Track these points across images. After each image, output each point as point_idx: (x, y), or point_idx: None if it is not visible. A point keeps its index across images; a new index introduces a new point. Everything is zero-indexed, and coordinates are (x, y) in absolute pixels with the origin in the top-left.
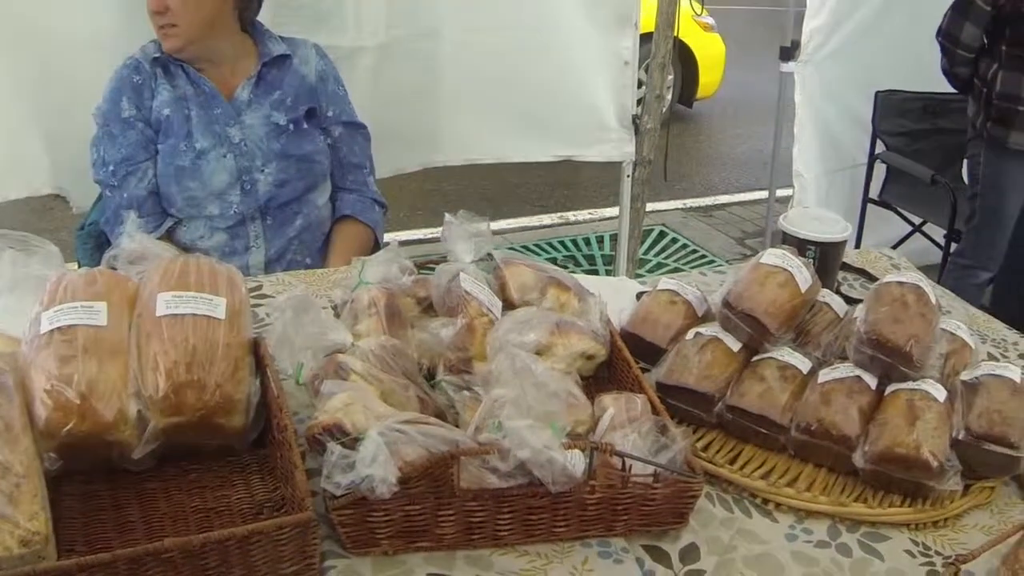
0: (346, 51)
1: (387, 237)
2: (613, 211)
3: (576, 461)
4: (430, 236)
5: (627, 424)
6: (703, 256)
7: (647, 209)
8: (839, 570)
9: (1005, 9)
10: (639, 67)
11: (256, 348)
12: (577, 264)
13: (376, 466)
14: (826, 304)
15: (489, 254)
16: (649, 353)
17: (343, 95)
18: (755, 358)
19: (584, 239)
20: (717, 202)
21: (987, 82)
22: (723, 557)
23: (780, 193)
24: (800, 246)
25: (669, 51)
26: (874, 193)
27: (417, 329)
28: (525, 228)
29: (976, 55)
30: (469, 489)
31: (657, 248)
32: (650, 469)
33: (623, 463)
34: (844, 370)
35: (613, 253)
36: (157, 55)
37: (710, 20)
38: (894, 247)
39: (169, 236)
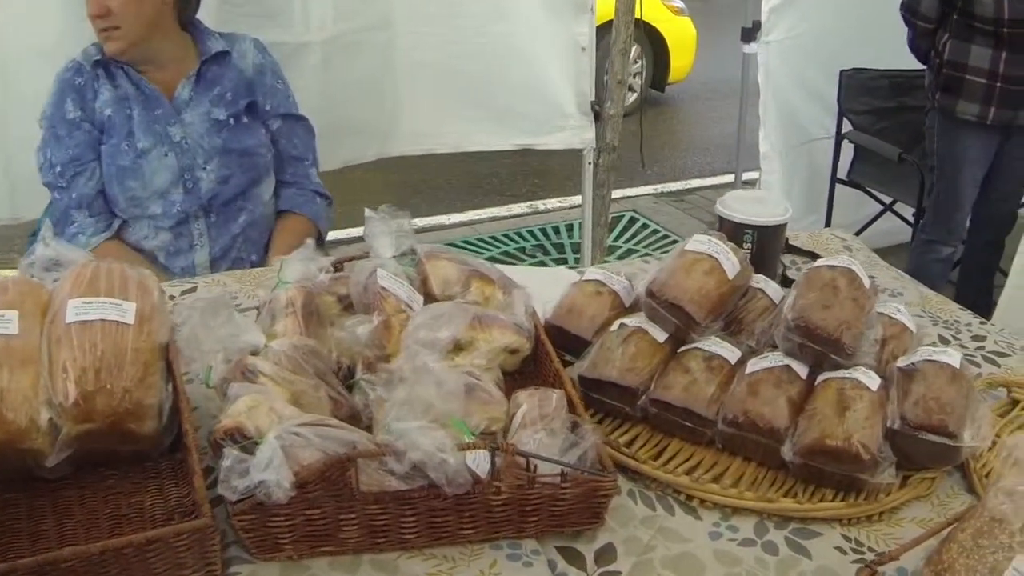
0: (293, 46)
1: (356, 231)
2: (580, 199)
3: (481, 462)
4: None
5: (538, 421)
6: (675, 241)
7: (617, 195)
8: (763, 569)
9: None
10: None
11: (167, 353)
12: (546, 253)
13: (270, 471)
14: (760, 290)
15: (413, 248)
16: (575, 345)
17: (282, 88)
18: (681, 349)
19: (553, 227)
20: (688, 186)
21: (939, 52)
22: (641, 558)
23: (750, 176)
24: (737, 230)
25: (630, 36)
26: (843, 173)
27: (336, 328)
28: (494, 218)
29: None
30: (370, 492)
31: (628, 234)
32: (558, 468)
33: (527, 463)
34: (773, 359)
35: (581, 241)
36: (98, 57)
37: (680, 4)
38: (865, 227)
39: (119, 235)
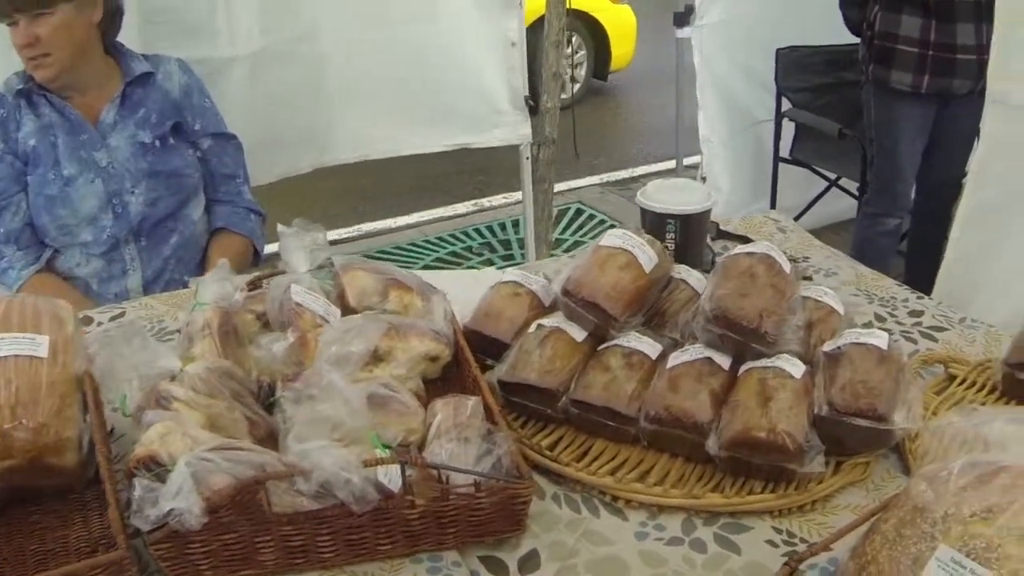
0: (219, 62)
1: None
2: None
3: (393, 476)
4: (347, 236)
5: (452, 430)
6: None
7: (562, 188)
8: (690, 568)
9: None
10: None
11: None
12: (493, 250)
13: (180, 498)
14: (683, 281)
15: (330, 261)
16: (495, 349)
17: (210, 107)
18: (600, 347)
19: (500, 224)
20: (633, 174)
21: (870, 24)
22: (565, 563)
23: (691, 161)
24: (659, 220)
25: (562, 28)
26: (785, 152)
27: (253, 346)
28: (440, 219)
29: None
30: (283, 513)
31: (574, 226)
32: (472, 478)
33: (440, 474)
34: (694, 352)
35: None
36: (20, 87)
37: None
38: (811, 205)
39: (49, 266)
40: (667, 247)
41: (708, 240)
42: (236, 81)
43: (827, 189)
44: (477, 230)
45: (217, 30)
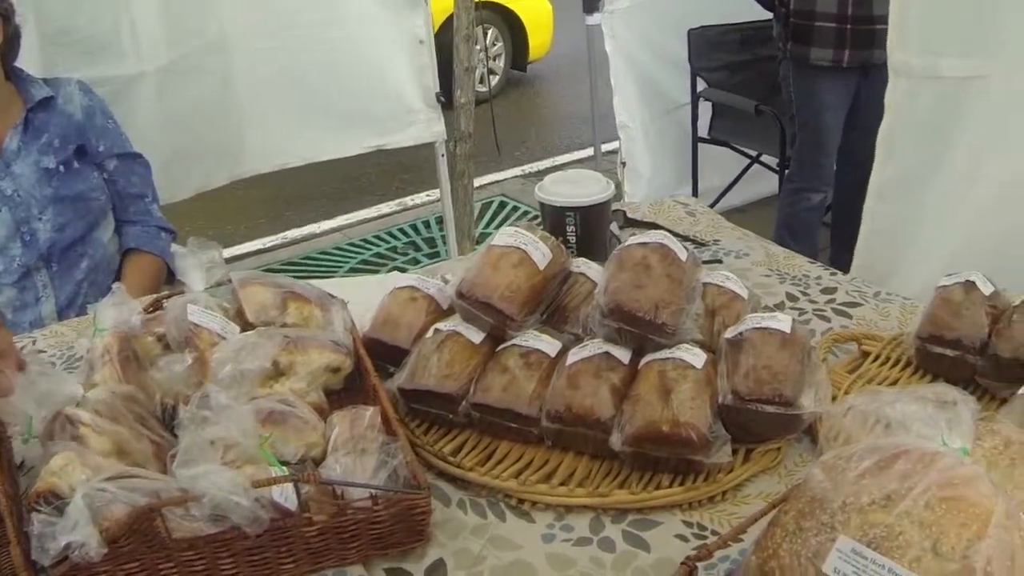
0: (126, 79)
1: (233, 250)
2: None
3: (289, 494)
4: (272, 244)
5: (349, 443)
6: None
7: (485, 181)
8: (599, 569)
9: None
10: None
11: None
12: (418, 248)
13: (78, 531)
14: (582, 274)
15: (228, 278)
16: (395, 356)
17: (113, 127)
18: (499, 348)
19: (424, 222)
20: (555, 163)
21: (784, 2)
22: (471, 570)
23: (609, 147)
24: (558, 213)
25: (471, 22)
26: (704, 133)
27: (155, 368)
28: (364, 220)
29: None
30: (183, 539)
31: (499, 219)
32: (368, 492)
33: (334, 489)
34: (592, 348)
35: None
36: None
37: None
38: (733, 183)
39: None
40: (568, 240)
41: (616, 230)
42: (144, 98)
43: (748, 167)
44: (401, 230)
45: (122, 47)
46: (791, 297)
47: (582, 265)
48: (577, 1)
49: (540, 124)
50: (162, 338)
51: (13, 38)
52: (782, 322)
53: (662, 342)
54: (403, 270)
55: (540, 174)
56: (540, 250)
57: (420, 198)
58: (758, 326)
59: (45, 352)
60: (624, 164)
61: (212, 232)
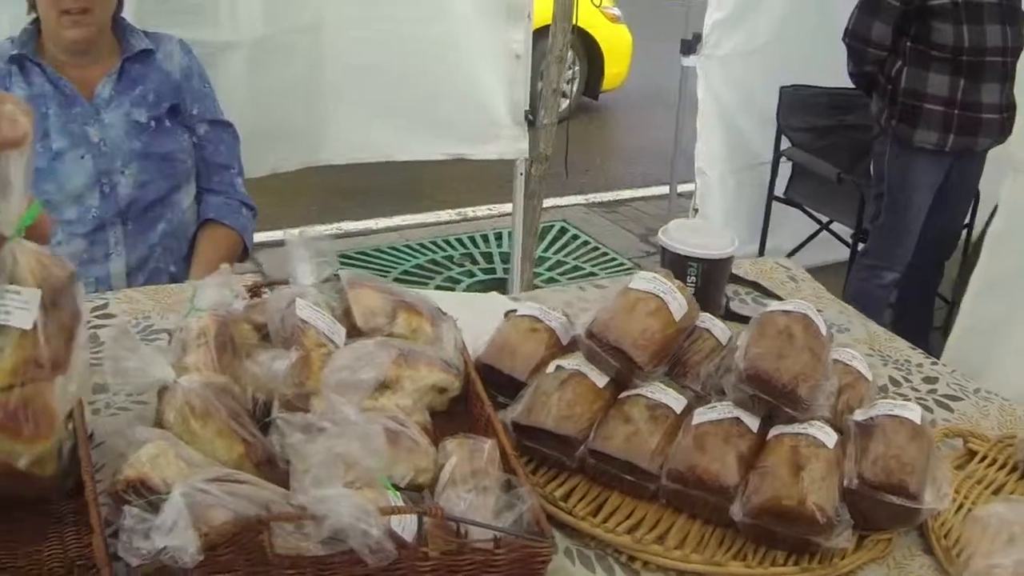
0: (219, 46)
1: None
2: (511, 207)
3: (407, 525)
4: (326, 234)
5: (470, 477)
6: (604, 253)
7: (547, 204)
8: None
9: (913, 5)
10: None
11: None
12: (474, 262)
13: (175, 534)
14: (706, 330)
15: (336, 275)
16: (508, 386)
17: (209, 92)
18: (622, 395)
19: (482, 236)
20: (620, 197)
21: (892, 79)
22: None
23: (684, 188)
24: (681, 262)
25: (566, 44)
26: (780, 191)
27: (251, 361)
28: (423, 224)
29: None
30: (286, 556)
31: (557, 245)
32: (491, 533)
33: (458, 527)
34: (722, 410)
35: (510, 250)
36: (14, 52)
37: (616, 11)
38: (801, 246)
39: None
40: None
41: None
42: (233, 68)
43: (817, 232)
44: (459, 240)
45: (218, 14)
46: (894, 382)
47: (707, 321)
48: (656, 35)
49: (606, 154)
50: (260, 328)
51: None
52: (913, 412)
53: (795, 415)
54: (458, 281)
55: (605, 204)
56: (678, 300)
57: (481, 210)
58: (890, 413)
59: (116, 317)
60: (696, 210)
61: (264, 212)
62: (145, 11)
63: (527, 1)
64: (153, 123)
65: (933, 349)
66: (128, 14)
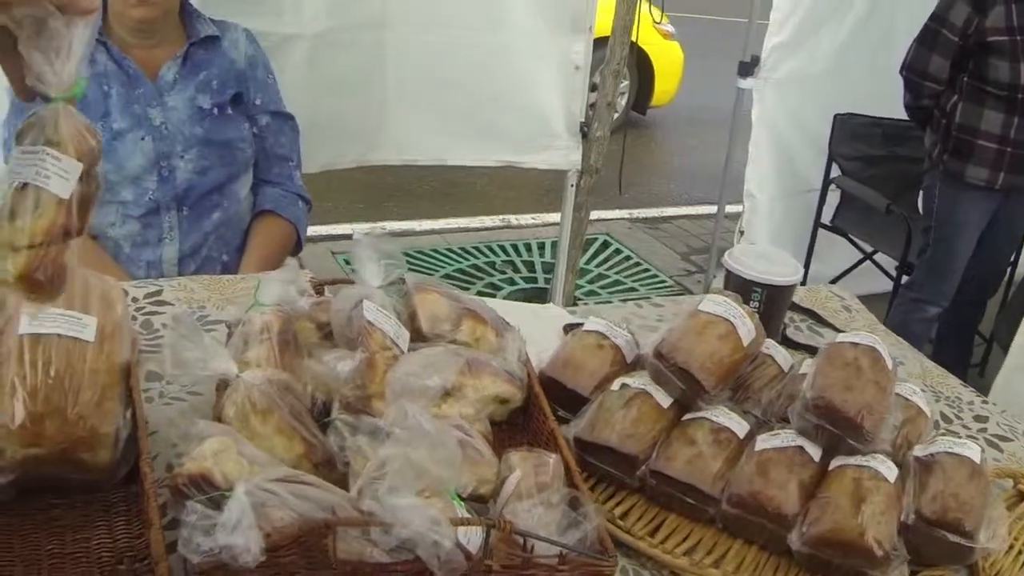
0: (281, 37)
1: (328, 228)
2: (556, 216)
3: (473, 537)
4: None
5: (535, 492)
6: (646, 270)
7: (592, 217)
8: None
9: (971, 40)
10: (592, 72)
11: (128, 375)
12: (516, 270)
13: (239, 533)
14: (770, 356)
15: (401, 278)
16: (571, 401)
17: (272, 83)
18: (686, 417)
19: (525, 244)
20: (664, 214)
21: (946, 113)
22: None
23: (730, 209)
24: (745, 287)
25: (624, 58)
26: (827, 218)
27: (313, 360)
28: (466, 229)
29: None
30: (348, 561)
31: (600, 258)
32: (556, 549)
33: (524, 541)
34: (785, 438)
35: (554, 261)
36: None
37: (670, 28)
38: (844, 274)
39: None
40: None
41: None
42: (294, 61)
43: (861, 261)
44: (502, 247)
45: (282, 4)
46: (945, 418)
47: (771, 347)
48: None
49: (652, 171)
50: (323, 326)
51: None
52: (972, 451)
53: (858, 447)
54: (499, 288)
55: (649, 220)
56: (747, 326)
57: (525, 219)
58: (950, 451)
59: (171, 305)
60: (742, 232)
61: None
62: (211, 0)
63: (590, 13)
64: (216, 110)
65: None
66: (195, 0)
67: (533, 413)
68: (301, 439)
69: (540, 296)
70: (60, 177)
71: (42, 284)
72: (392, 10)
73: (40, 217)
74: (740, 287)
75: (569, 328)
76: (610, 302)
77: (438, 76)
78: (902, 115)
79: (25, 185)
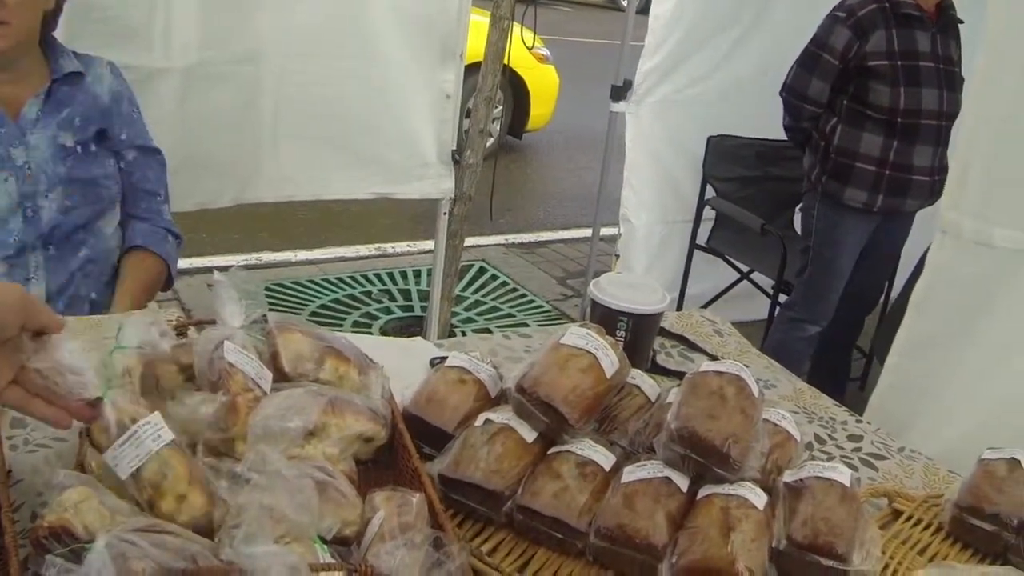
0: (150, 71)
1: (199, 262)
2: (431, 244)
3: None
4: (245, 263)
5: (398, 532)
6: (523, 295)
7: (467, 244)
8: None
9: (851, 64)
10: (466, 99)
11: None
12: (392, 299)
13: None
14: (636, 386)
15: (264, 317)
16: (435, 437)
17: (138, 117)
18: (552, 451)
19: (401, 273)
20: (541, 239)
21: (825, 136)
22: None
23: (606, 232)
24: (611, 317)
25: (496, 85)
26: (702, 240)
27: (176, 402)
28: (342, 259)
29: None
30: None
31: (476, 285)
32: None
33: None
34: (652, 469)
35: (429, 289)
36: None
37: (545, 51)
38: (720, 294)
39: None
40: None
41: None
42: (164, 96)
43: (738, 281)
44: (378, 275)
45: (152, 37)
46: (819, 439)
47: (637, 377)
48: (582, 77)
49: (528, 195)
50: (186, 368)
51: (59, 7)
52: (842, 474)
53: (725, 476)
54: (375, 318)
55: (523, 246)
56: (610, 358)
57: (401, 247)
58: (819, 475)
59: None
60: (618, 256)
61: (184, 237)
62: (77, 33)
63: (461, 38)
64: (79, 147)
65: (849, 400)
66: (60, 34)
67: (398, 451)
68: None
69: (417, 324)
70: None
71: None
72: (268, 43)
73: None
74: (605, 317)
75: (435, 362)
76: (487, 329)
77: (313, 109)
78: (776, 135)
79: None
